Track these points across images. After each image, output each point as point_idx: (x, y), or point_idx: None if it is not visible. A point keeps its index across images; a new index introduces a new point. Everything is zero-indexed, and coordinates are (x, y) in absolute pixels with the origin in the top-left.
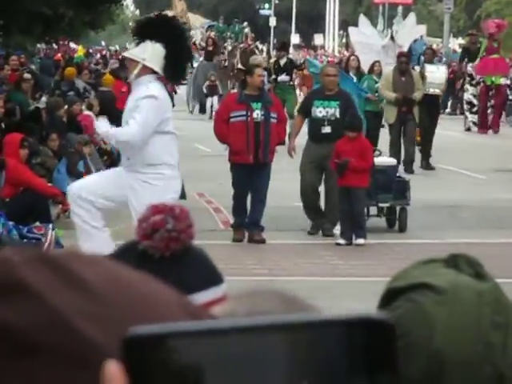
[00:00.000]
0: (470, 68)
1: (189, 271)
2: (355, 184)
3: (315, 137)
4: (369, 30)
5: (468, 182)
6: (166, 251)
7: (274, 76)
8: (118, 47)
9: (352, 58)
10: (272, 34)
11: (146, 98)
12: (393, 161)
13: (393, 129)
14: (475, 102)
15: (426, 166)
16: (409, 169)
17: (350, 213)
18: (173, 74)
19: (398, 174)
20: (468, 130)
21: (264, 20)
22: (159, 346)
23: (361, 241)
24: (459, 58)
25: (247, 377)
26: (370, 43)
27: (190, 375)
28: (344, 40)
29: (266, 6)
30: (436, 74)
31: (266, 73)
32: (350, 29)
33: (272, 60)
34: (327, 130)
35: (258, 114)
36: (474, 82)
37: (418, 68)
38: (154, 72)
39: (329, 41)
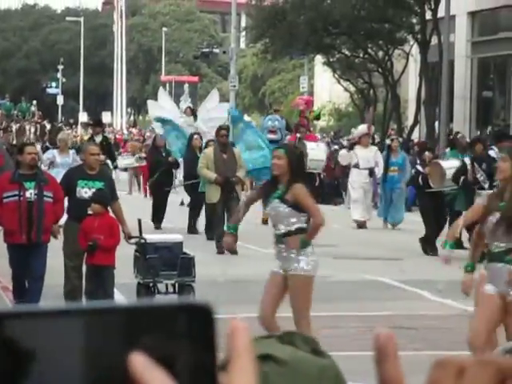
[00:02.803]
0: None
1: None
2: (105, 262)
3: (81, 217)
4: (168, 103)
5: (257, 257)
6: None
7: None
8: None
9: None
10: (60, 112)
11: None
12: (178, 237)
13: (216, 207)
14: None
15: None
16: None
17: (98, 293)
18: None
19: (183, 251)
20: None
21: (51, 98)
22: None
23: None
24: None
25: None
26: (169, 118)
27: (20, 350)
28: (132, 117)
29: (54, 84)
30: (316, 151)
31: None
32: (149, 102)
33: (86, 137)
34: None
35: (31, 193)
36: None
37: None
38: None
39: (117, 118)
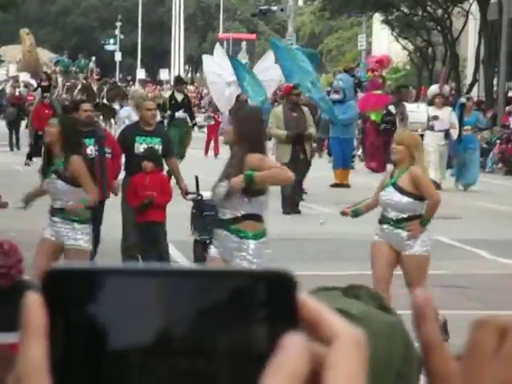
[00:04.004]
0: None
1: (17, 307)
2: (158, 219)
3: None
4: (223, 61)
5: (313, 216)
6: None
7: (169, 112)
8: None
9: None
10: (118, 68)
11: None
12: None
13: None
14: None
15: None
16: (294, 209)
17: (153, 249)
18: None
19: None
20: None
21: (109, 55)
22: (74, 282)
23: None
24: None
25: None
26: (222, 74)
27: (96, 307)
28: (189, 75)
29: (112, 41)
30: (416, 114)
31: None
32: (204, 57)
33: (167, 94)
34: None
35: (91, 149)
36: None
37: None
38: None
39: (174, 75)
